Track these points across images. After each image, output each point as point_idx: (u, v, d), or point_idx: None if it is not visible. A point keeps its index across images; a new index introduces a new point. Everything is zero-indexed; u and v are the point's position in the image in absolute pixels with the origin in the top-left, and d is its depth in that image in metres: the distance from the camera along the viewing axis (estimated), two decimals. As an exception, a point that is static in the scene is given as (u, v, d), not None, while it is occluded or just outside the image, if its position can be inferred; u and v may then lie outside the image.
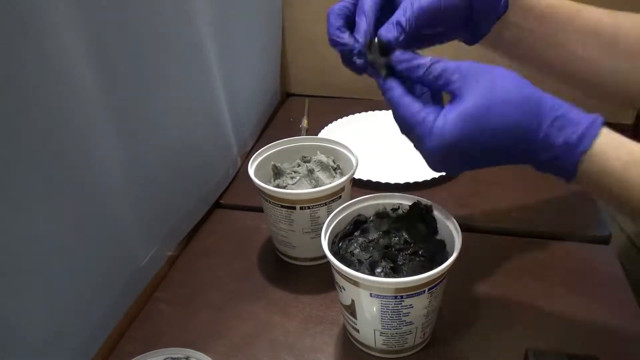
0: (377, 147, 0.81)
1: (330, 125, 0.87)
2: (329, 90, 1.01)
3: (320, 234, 0.48)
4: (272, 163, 0.62)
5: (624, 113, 0.88)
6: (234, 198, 0.73)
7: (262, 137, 0.88)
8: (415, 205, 0.51)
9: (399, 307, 0.44)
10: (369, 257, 0.48)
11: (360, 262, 0.48)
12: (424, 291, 0.44)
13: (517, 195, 0.70)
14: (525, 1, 0.46)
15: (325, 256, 0.46)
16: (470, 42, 0.49)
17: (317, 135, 0.83)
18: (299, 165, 0.63)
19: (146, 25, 0.51)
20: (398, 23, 0.42)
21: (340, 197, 0.57)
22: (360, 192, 0.55)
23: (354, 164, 0.59)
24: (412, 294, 0.44)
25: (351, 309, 0.47)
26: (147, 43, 0.51)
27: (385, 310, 0.45)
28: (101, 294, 0.50)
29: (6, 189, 0.37)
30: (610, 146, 0.37)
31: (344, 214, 0.52)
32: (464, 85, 0.38)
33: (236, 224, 0.69)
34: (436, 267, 0.43)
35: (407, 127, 0.40)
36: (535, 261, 0.60)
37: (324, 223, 0.50)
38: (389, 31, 0.42)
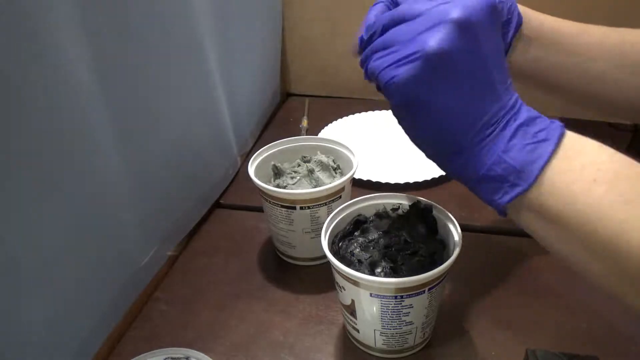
0: (377, 147, 0.81)
1: (330, 125, 0.87)
2: (329, 90, 1.01)
3: (320, 234, 0.48)
4: (272, 163, 0.62)
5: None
6: (234, 198, 0.73)
7: (262, 137, 0.88)
8: (415, 205, 0.51)
9: (399, 307, 0.44)
10: (369, 257, 0.48)
11: (360, 262, 0.48)
12: (424, 291, 0.44)
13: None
14: (534, 19, 0.45)
15: (325, 256, 0.46)
16: None
17: (317, 135, 0.83)
18: (299, 165, 0.63)
19: (146, 25, 0.51)
20: None
21: (340, 197, 0.57)
22: (360, 192, 0.55)
23: (354, 164, 0.59)
24: (412, 294, 0.44)
25: (351, 309, 0.47)
26: (147, 43, 0.51)
27: (385, 310, 0.45)
28: (101, 294, 0.50)
29: (6, 189, 0.37)
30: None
31: (344, 214, 0.52)
32: None
33: (236, 223, 0.69)
34: (436, 267, 0.43)
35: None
36: (535, 261, 0.60)
37: (324, 223, 0.50)
38: None
